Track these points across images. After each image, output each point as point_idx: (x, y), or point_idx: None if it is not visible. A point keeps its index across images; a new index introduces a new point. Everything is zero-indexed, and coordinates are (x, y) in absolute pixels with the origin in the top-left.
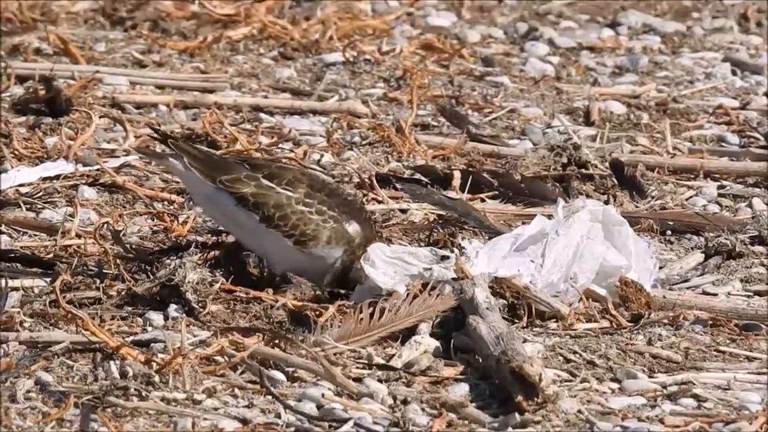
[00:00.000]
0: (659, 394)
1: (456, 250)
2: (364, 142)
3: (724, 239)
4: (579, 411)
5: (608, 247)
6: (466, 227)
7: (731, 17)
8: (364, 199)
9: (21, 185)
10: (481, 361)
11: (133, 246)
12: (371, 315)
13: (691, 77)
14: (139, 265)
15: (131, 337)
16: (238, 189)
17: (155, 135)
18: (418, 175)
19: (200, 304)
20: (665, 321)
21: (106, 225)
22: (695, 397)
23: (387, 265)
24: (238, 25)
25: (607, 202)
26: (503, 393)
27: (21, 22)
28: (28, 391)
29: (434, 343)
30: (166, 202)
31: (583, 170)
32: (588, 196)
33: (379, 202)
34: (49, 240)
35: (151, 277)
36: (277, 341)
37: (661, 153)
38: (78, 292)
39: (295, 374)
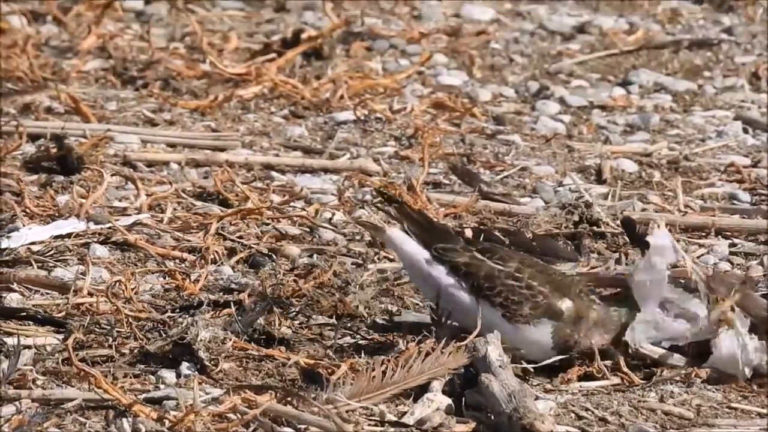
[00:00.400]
0: None
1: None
2: (375, 200)
3: None
4: None
5: None
6: None
7: (742, 76)
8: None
9: (32, 243)
10: (493, 418)
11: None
12: (383, 372)
13: (702, 135)
14: (151, 323)
15: (144, 395)
16: (452, 258)
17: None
18: None
19: (212, 362)
20: (677, 378)
21: (118, 283)
22: None
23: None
24: (249, 84)
25: (618, 260)
26: None
27: (32, 81)
28: None
29: (446, 401)
30: (177, 260)
31: (595, 228)
32: (599, 254)
33: (391, 260)
34: (61, 298)
35: (164, 335)
36: (289, 399)
37: (672, 211)
38: (90, 350)
39: (307, 431)
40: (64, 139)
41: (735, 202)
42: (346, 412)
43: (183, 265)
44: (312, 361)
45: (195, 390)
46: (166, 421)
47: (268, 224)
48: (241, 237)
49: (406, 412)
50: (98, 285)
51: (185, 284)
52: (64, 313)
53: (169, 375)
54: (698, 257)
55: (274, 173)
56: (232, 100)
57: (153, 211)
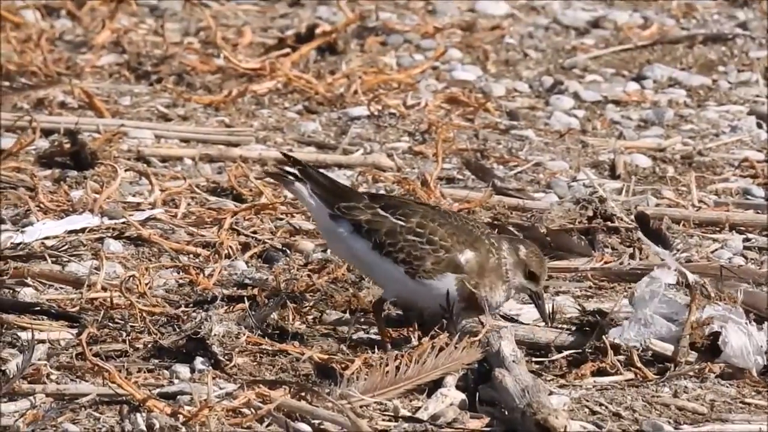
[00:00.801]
0: None
1: None
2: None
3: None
4: None
5: None
6: None
7: (757, 71)
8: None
9: (46, 238)
10: (506, 413)
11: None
12: (397, 368)
13: (716, 130)
14: (165, 318)
15: (158, 390)
16: (354, 216)
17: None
18: None
19: (226, 357)
20: (691, 373)
21: (132, 278)
22: None
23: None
24: (263, 79)
25: (632, 256)
26: None
27: (46, 76)
28: None
29: (460, 396)
30: (191, 255)
31: (609, 223)
32: (613, 248)
33: None
34: (75, 293)
35: (178, 330)
36: (303, 394)
37: (686, 206)
38: (104, 344)
39: (321, 426)
40: (77, 134)
41: (749, 197)
42: (360, 407)
43: (197, 260)
44: (326, 356)
45: (209, 385)
46: (180, 416)
47: (282, 219)
48: (255, 232)
49: (420, 407)
50: (112, 280)
51: (199, 279)
52: (78, 308)
53: (183, 370)
54: (712, 252)
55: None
56: (246, 95)
57: (167, 206)
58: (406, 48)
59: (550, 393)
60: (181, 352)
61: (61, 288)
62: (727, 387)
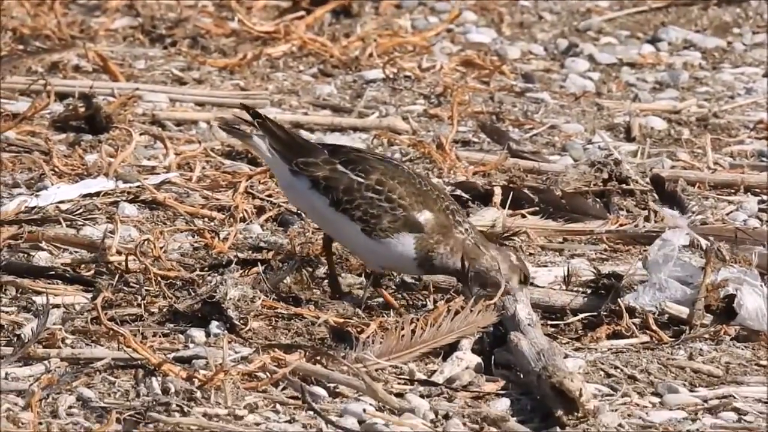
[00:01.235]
0: (700, 408)
1: None
2: (404, 159)
3: None
4: (620, 425)
5: None
6: (506, 244)
7: None
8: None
9: (61, 202)
10: (522, 376)
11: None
12: (413, 331)
13: (731, 92)
14: (180, 282)
15: (173, 354)
16: (312, 172)
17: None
18: (458, 191)
19: (242, 321)
20: (706, 336)
21: (146, 242)
22: (736, 410)
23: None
24: (278, 42)
25: (647, 218)
26: (544, 408)
27: (60, 40)
28: (70, 407)
29: (476, 359)
30: (206, 219)
31: (624, 186)
32: (628, 211)
33: None
34: (90, 257)
35: (193, 294)
36: (318, 357)
37: (701, 168)
38: (119, 309)
39: (337, 390)
40: (92, 98)
41: (764, 158)
42: (376, 370)
43: (212, 223)
44: (341, 320)
45: (224, 349)
46: (196, 381)
47: None
48: (270, 195)
49: (435, 371)
50: (127, 244)
51: (214, 243)
52: (93, 272)
53: (198, 334)
54: (727, 214)
55: (303, 132)
56: (260, 58)
57: (182, 169)
58: (420, 11)
59: (566, 356)
60: (196, 316)
61: (76, 252)
62: (742, 349)
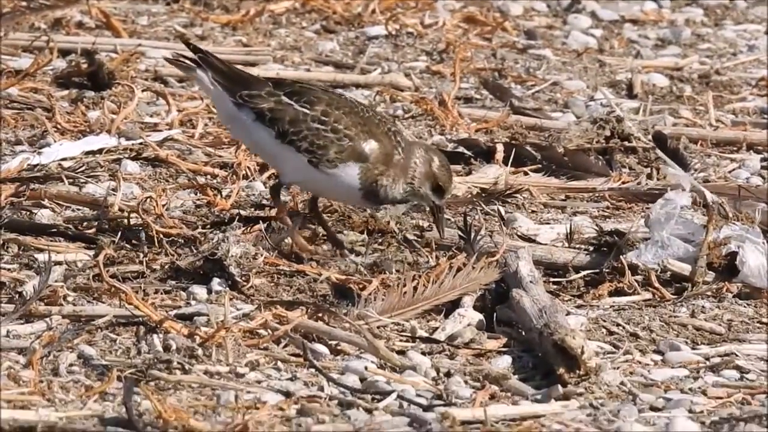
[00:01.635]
0: (702, 366)
1: None
2: (406, 116)
3: None
4: (621, 383)
5: None
6: (509, 201)
7: None
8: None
9: (63, 159)
10: (524, 333)
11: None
12: (415, 288)
13: (733, 49)
14: (182, 239)
15: (174, 311)
16: (256, 104)
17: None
18: (461, 148)
19: (243, 278)
20: (708, 293)
21: (149, 199)
22: (738, 368)
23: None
24: None
25: (650, 176)
26: (546, 365)
27: None
28: (71, 365)
29: (478, 316)
30: (209, 176)
31: (626, 143)
32: (631, 168)
33: None
34: (92, 214)
35: (195, 251)
36: (320, 314)
37: (703, 125)
38: (121, 266)
39: (339, 347)
40: (95, 54)
41: (766, 116)
42: (378, 327)
43: (214, 180)
44: (343, 277)
45: (226, 306)
46: (197, 338)
47: None
48: None
49: (437, 328)
50: (129, 201)
51: (216, 200)
52: (95, 229)
53: (200, 291)
54: (729, 171)
55: None
56: (263, 14)
57: (184, 126)
58: None
59: (568, 313)
60: (198, 274)
61: (78, 209)
62: (744, 307)
